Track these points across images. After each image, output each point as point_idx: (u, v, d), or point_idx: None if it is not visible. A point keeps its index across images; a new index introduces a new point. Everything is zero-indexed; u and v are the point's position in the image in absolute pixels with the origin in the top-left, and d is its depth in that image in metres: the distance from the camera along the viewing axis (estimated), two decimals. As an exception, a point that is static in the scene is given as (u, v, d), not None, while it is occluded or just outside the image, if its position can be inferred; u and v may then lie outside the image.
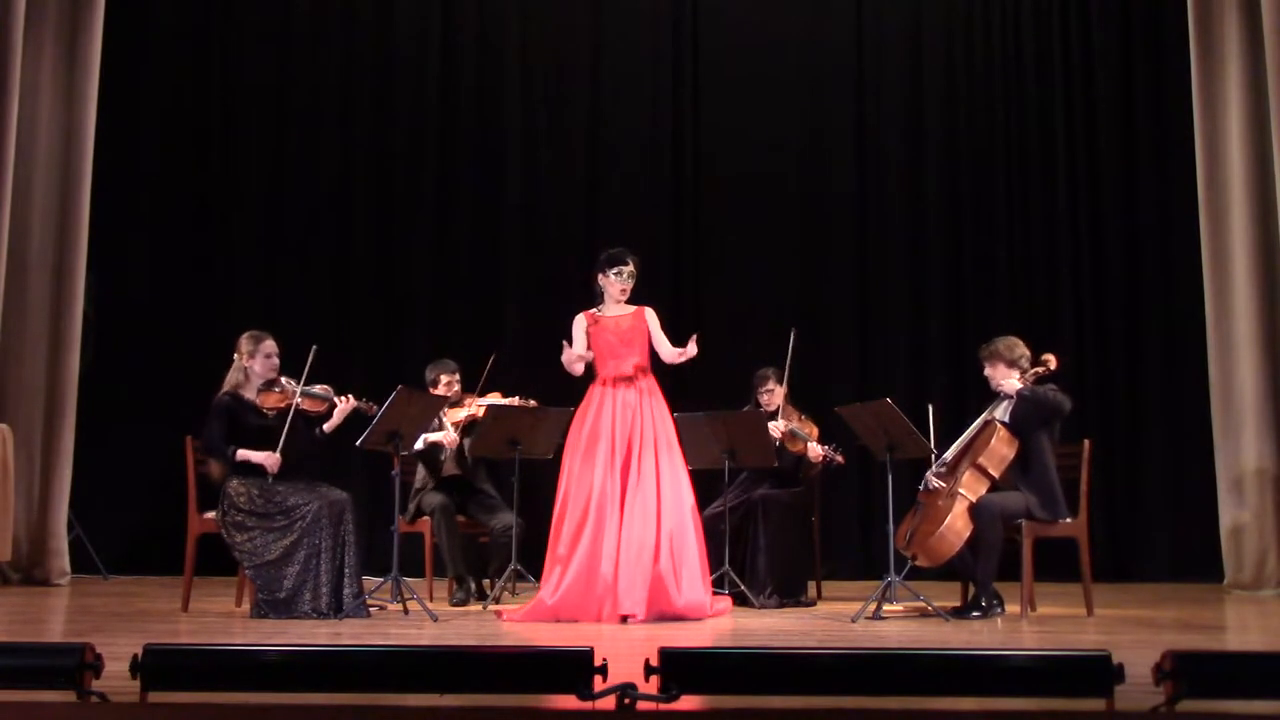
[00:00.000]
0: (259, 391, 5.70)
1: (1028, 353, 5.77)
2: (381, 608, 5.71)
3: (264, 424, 5.64)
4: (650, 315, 5.84)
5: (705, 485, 6.29)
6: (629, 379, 5.70)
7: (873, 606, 5.49)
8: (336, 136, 8.60)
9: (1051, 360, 5.74)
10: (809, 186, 8.55)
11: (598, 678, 2.99)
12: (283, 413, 5.63)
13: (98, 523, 7.65)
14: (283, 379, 5.73)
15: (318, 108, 8.62)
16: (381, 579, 5.78)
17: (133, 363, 8.09)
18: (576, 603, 5.37)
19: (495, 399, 6.55)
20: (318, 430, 5.78)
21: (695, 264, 8.50)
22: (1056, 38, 8.46)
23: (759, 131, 8.50)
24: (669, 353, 5.81)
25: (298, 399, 5.65)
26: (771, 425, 6.28)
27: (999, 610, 5.58)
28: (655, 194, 8.54)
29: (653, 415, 5.65)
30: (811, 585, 6.48)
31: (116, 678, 3.08)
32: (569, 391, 6.01)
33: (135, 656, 3.05)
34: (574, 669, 3.00)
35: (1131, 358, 8.21)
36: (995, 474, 5.58)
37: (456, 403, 6.60)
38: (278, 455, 5.53)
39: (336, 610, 5.37)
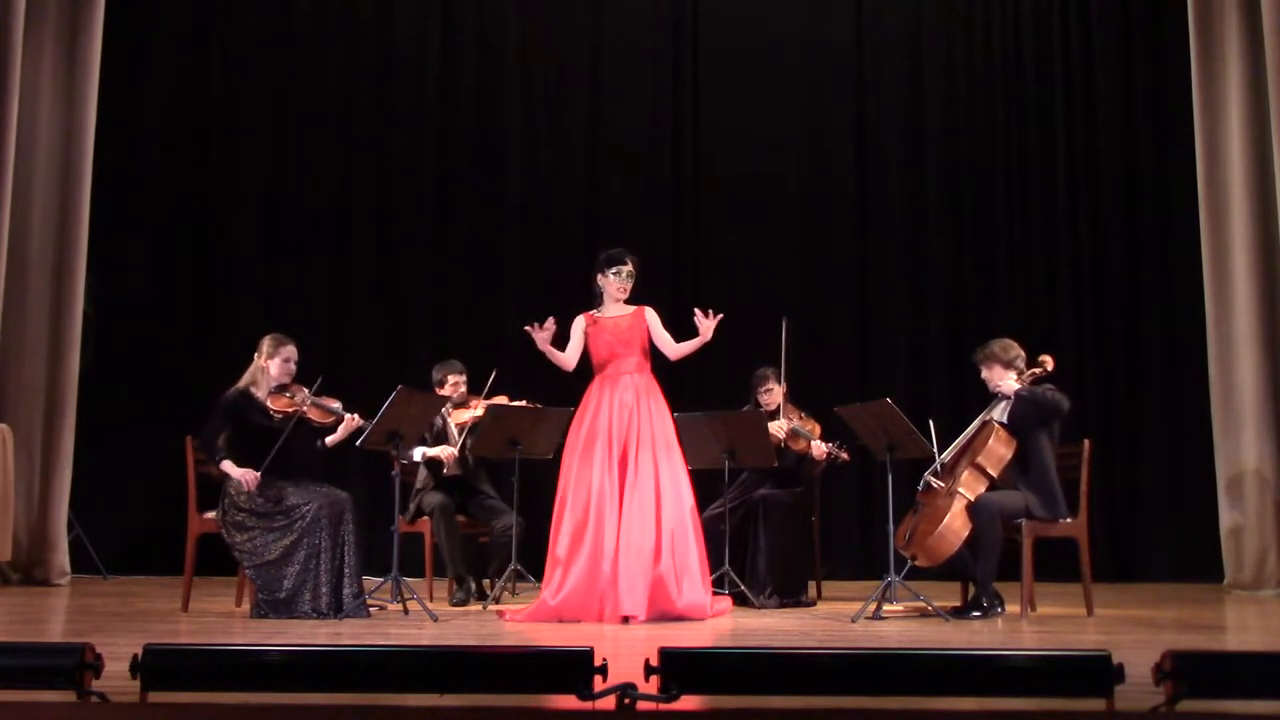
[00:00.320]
0: (270, 393, 5.71)
1: (1023, 353, 5.77)
2: (381, 608, 5.71)
3: (269, 425, 5.64)
4: (651, 315, 5.83)
5: (705, 485, 6.29)
6: (627, 379, 5.70)
7: (873, 606, 5.49)
8: (336, 136, 8.61)
9: (1049, 361, 5.74)
10: (809, 186, 8.55)
11: (598, 678, 2.99)
12: (288, 417, 5.64)
13: (98, 523, 7.65)
14: (294, 386, 5.75)
15: (318, 108, 8.62)
16: (381, 579, 5.78)
17: (133, 363, 8.09)
18: (579, 603, 5.37)
19: (502, 401, 6.55)
20: (319, 442, 5.78)
21: (695, 264, 8.50)
22: (1056, 38, 8.47)
23: (759, 131, 8.50)
24: (673, 349, 5.81)
25: (306, 406, 5.67)
26: (774, 425, 6.28)
27: (999, 610, 5.58)
28: (655, 194, 8.55)
29: (650, 414, 5.64)
30: (811, 585, 6.48)
31: (116, 678, 3.07)
32: (569, 392, 6.01)
33: (135, 656, 3.05)
34: (574, 669, 3.00)
35: (1131, 358, 8.22)
36: (993, 473, 5.58)
37: (462, 404, 6.60)
38: (256, 475, 5.52)
39: (336, 610, 5.37)
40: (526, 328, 5.78)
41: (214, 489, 5.70)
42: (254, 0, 8.69)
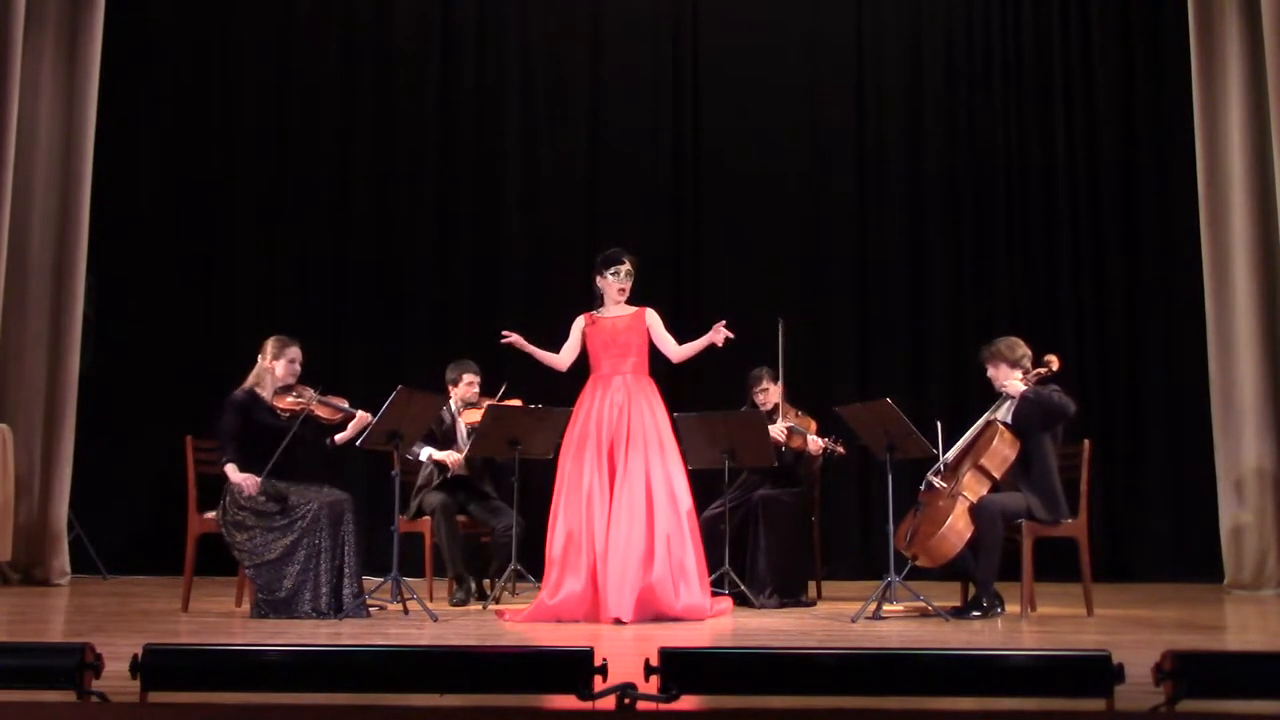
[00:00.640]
0: (275, 393, 5.71)
1: (1029, 352, 5.77)
2: (381, 608, 5.71)
3: (275, 424, 5.64)
4: (651, 316, 5.82)
5: (705, 485, 6.29)
6: (619, 379, 5.69)
7: (873, 606, 5.49)
8: (337, 136, 8.61)
9: (1054, 361, 5.73)
10: (809, 186, 8.55)
11: (598, 678, 2.99)
12: (295, 415, 5.65)
13: (98, 523, 7.65)
14: (300, 386, 5.75)
15: (318, 108, 8.62)
16: (381, 579, 5.78)
17: (133, 363, 8.09)
18: (574, 604, 5.37)
19: (515, 404, 6.56)
20: (328, 440, 5.79)
21: (695, 264, 8.51)
22: (1056, 38, 8.47)
23: (759, 131, 8.50)
24: (675, 351, 5.80)
25: (313, 405, 5.67)
26: (772, 429, 6.27)
27: (999, 610, 5.58)
28: (655, 194, 8.55)
29: (641, 415, 5.61)
30: (811, 585, 6.48)
31: (116, 678, 3.07)
32: (570, 392, 6.02)
33: (135, 656, 3.05)
34: (574, 669, 3.00)
35: (1131, 358, 8.22)
36: (996, 475, 5.58)
37: (473, 404, 6.61)
38: (257, 480, 5.51)
39: (336, 610, 5.37)
40: (504, 336, 5.80)
41: (214, 489, 5.70)
42: (254, 1, 8.69)
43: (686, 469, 5.76)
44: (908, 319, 8.39)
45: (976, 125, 8.50)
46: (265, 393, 5.71)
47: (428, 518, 6.37)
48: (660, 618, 5.36)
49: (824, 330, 8.36)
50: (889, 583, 5.59)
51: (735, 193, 8.47)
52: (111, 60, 7.69)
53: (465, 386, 6.65)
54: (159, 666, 3.05)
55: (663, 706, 2.96)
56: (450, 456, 6.46)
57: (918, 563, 5.71)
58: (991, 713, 3.01)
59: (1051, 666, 3.10)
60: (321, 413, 5.72)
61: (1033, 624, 5.39)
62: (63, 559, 7.23)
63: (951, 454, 5.72)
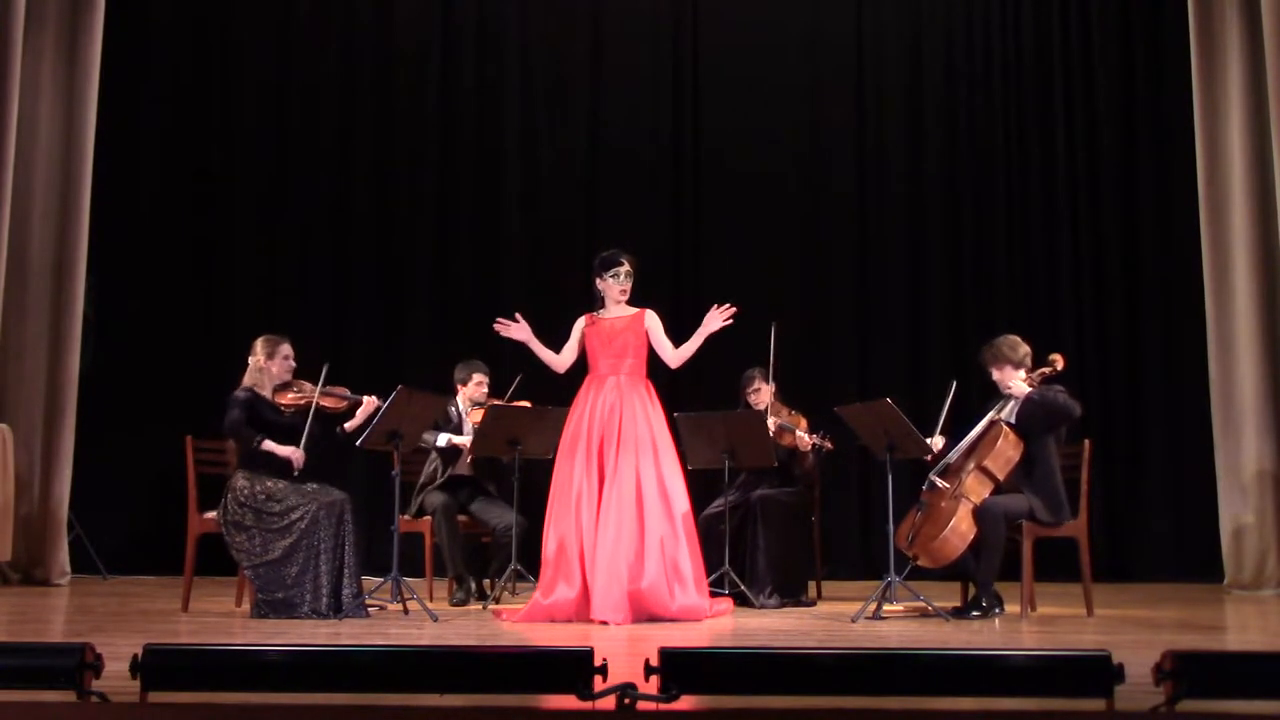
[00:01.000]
0: (275, 391, 5.71)
1: (1030, 351, 5.76)
2: (381, 608, 5.71)
3: (282, 421, 5.65)
4: (651, 319, 5.80)
5: (705, 485, 6.29)
6: (612, 380, 5.68)
7: (873, 606, 5.49)
8: (337, 136, 8.61)
9: (1059, 360, 5.71)
10: (809, 186, 8.55)
11: (598, 678, 2.99)
12: (301, 411, 5.66)
13: (98, 523, 7.65)
14: (297, 381, 5.75)
15: (318, 108, 8.63)
16: (381, 579, 5.78)
17: (133, 363, 8.09)
18: (566, 604, 5.36)
19: (523, 406, 6.56)
20: (338, 429, 5.80)
21: (695, 264, 8.50)
22: (1056, 38, 8.46)
23: (759, 131, 8.50)
24: (673, 355, 5.78)
25: (317, 397, 5.67)
26: None
27: (999, 611, 5.58)
28: (655, 194, 8.55)
29: (634, 416, 5.58)
30: (811, 585, 6.48)
31: (116, 678, 3.07)
32: (570, 392, 6.01)
33: (135, 656, 3.05)
34: (574, 669, 3.00)
35: (1131, 358, 8.22)
36: (1000, 477, 5.57)
37: (481, 404, 6.61)
38: (301, 452, 5.54)
39: (336, 610, 5.37)
40: (496, 327, 5.77)
41: (214, 489, 5.71)
42: (254, 1, 8.69)
43: (685, 470, 5.76)
44: (908, 319, 8.38)
45: (976, 125, 8.50)
46: (265, 392, 5.70)
47: (428, 518, 6.37)
48: (656, 619, 5.35)
49: (824, 330, 8.37)
50: (889, 583, 5.59)
51: (735, 193, 8.47)
52: (111, 60, 7.69)
53: (474, 386, 6.65)
54: (159, 666, 3.05)
55: (663, 706, 2.96)
56: (467, 440, 6.45)
57: (919, 563, 5.71)
58: (991, 713, 3.01)
59: (1051, 666, 3.10)
60: (326, 403, 5.73)
61: (1033, 624, 5.39)
62: (63, 559, 7.23)
63: (954, 454, 5.71)
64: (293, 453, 5.56)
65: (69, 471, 7.28)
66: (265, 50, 8.64)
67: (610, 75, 8.64)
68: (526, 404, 6.58)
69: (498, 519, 6.37)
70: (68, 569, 7.26)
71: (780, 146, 8.53)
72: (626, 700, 2.93)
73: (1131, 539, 7.99)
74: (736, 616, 5.67)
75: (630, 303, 5.83)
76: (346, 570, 5.46)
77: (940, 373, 8.09)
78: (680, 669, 3.00)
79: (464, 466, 6.54)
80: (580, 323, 5.84)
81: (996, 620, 5.49)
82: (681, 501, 5.57)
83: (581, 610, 5.34)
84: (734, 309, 5.66)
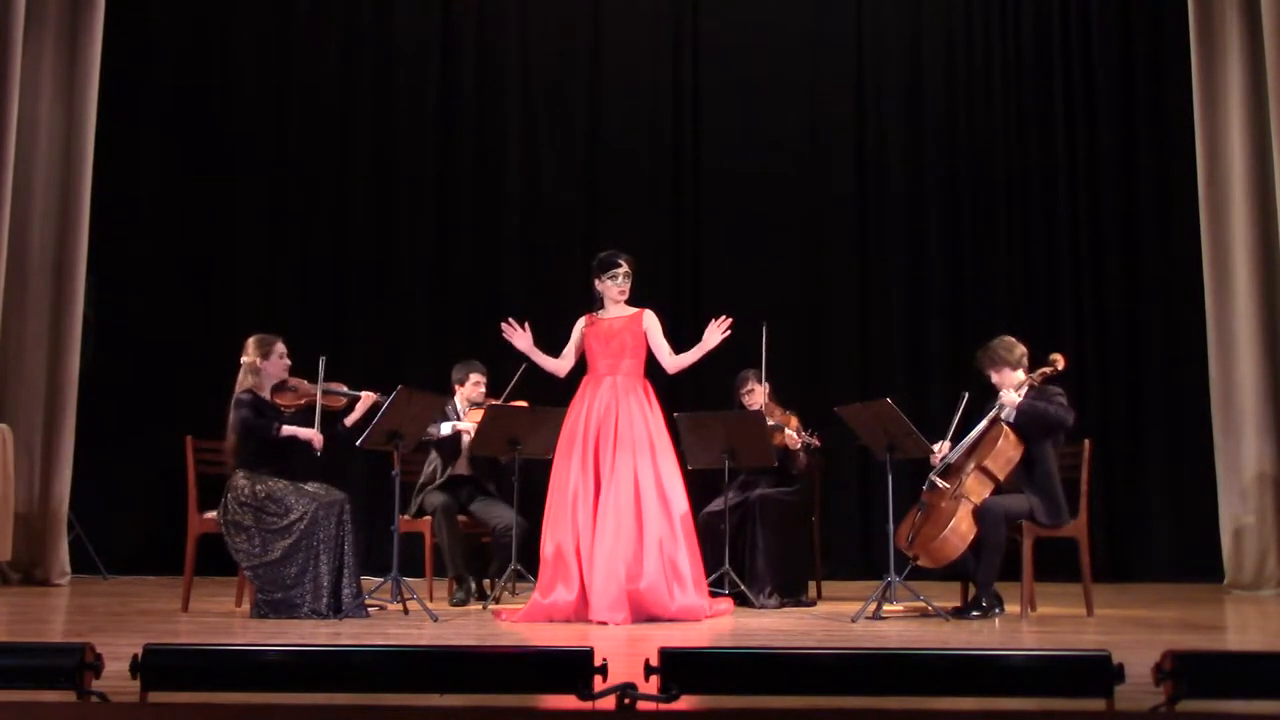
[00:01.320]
0: (273, 393, 5.71)
1: (1026, 350, 5.76)
2: (381, 608, 5.71)
3: (284, 422, 5.64)
4: (650, 320, 5.78)
5: (705, 485, 6.29)
6: (608, 380, 5.67)
7: (873, 606, 5.49)
8: (337, 137, 8.61)
9: (1059, 360, 5.69)
10: (809, 186, 8.56)
11: (598, 678, 2.98)
12: (302, 411, 5.66)
13: (98, 523, 7.65)
14: (294, 380, 5.75)
15: (317, 108, 8.63)
16: (381, 579, 5.78)
17: (133, 363, 8.09)
18: (564, 604, 5.36)
19: (519, 405, 6.55)
20: (339, 425, 5.80)
21: (695, 264, 8.51)
22: (1056, 38, 8.47)
23: (759, 131, 8.51)
24: (671, 360, 5.78)
25: (316, 395, 5.67)
26: None
27: (999, 611, 5.58)
28: (655, 194, 8.55)
29: (630, 416, 5.57)
30: (811, 585, 6.48)
31: (116, 678, 3.07)
32: (571, 391, 6.01)
33: (135, 656, 3.05)
34: (574, 669, 3.00)
35: (1131, 358, 8.22)
36: (1000, 477, 5.57)
37: (479, 404, 6.61)
38: (320, 434, 5.56)
39: (336, 610, 5.36)
40: (504, 327, 5.78)
41: (214, 489, 5.70)
42: (254, 1, 8.69)
43: (684, 470, 5.75)
44: (908, 319, 8.39)
45: (976, 125, 8.50)
46: (263, 393, 5.70)
47: (428, 518, 6.37)
48: (655, 620, 5.35)
49: (824, 330, 8.37)
50: (889, 583, 5.59)
51: (735, 193, 8.47)
52: (111, 60, 7.69)
53: (472, 386, 6.66)
54: (159, 666, 3.05)
55: (663, 706, 2.96)
56: (472, 426, 6.45)
57: (918, 563, 5.71)
58: (991, 713, 3.01)
59: (1051, 666, 3.10)
60: (327, 402, 5.72)
61: (1033, 624, 5.39)
62: (63, 559, 7.23)
63: (955, 454, 5.71)
64: (313, 434, 5.58)
65: (69, 471, 7.29)
66: (265, 50, 8.65)
67: (610, 75, 8.64)
68: (523, 404, 6.57)
69: (498, 519, 6.37)
70: (68, 569, 7.26)
71: (780, 146, 8.53)
72: (626, 700, 2.92)
73: (1131, 539, 7.99)
74: (736, 616, 5.67)
75: (630, 302, 5.82)
76: (346, 570, 5.45)
77: (940, 373, 8.13)
78: (680, 669, 3.00)
79: (463, 466, 6.54)
80: (580, 323, 5.84)
81: (996, 620, 5.49)
82: (680, 502, 5.56)
83: (580, 611, 5.34)
84: (730, 320, 5.65)
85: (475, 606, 6.12)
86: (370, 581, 5.78)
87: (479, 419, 6.48)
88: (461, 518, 6.42)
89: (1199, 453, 7.54)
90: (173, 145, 8.48)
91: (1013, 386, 5.67)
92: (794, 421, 6.40)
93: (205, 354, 8.01)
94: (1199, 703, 2.93)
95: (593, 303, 5.89)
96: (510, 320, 5.83)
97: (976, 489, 5.55)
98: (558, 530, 5.48)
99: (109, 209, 7.86)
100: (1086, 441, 5.79)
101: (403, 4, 8.70)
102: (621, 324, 5.76)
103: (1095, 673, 3.00)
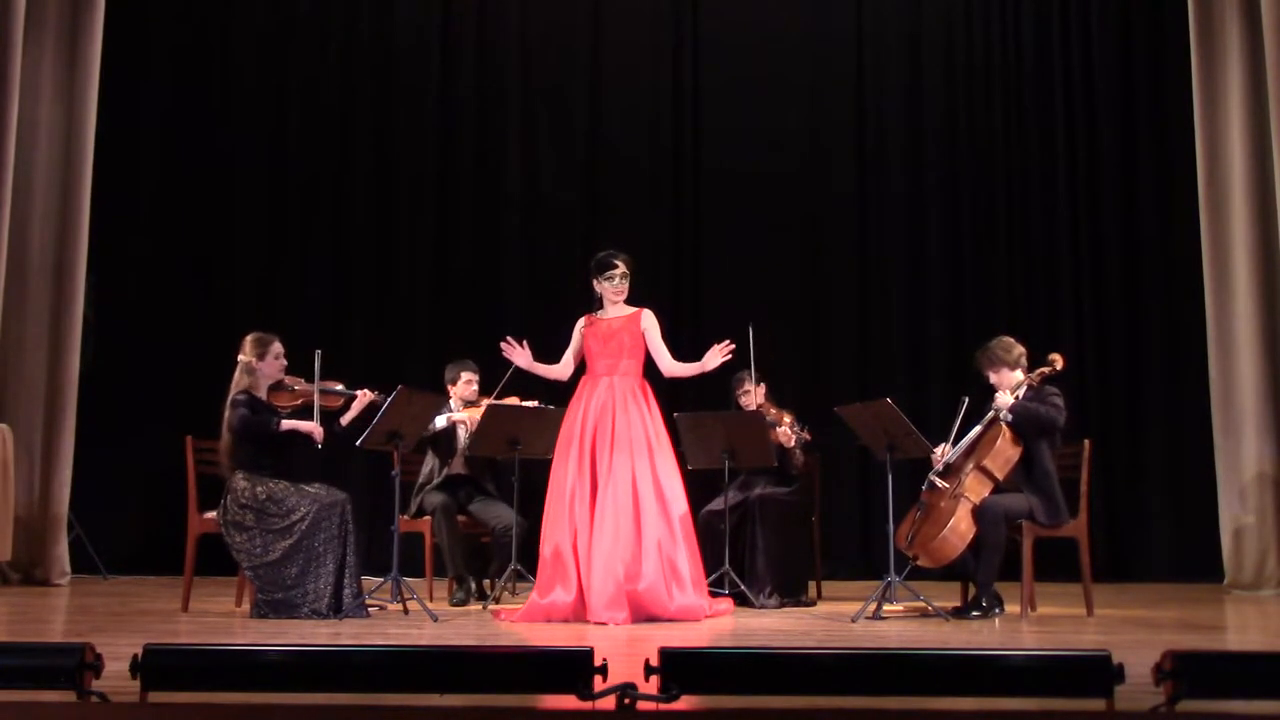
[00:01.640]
0: (269, 392, 5.70)
1: (1025, 350, 5.76)
2: (381, 608, 5.71)
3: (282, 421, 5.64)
4: (648, 320, 5.77)
5: (705, 485, 6.29)
6: (605, 380, 5.66)
7: (873, 606, 5.49)
8: (336, 137, 8.61)
9: (1058, 360, 5.69)
10: (809, 186, 8.55)
11: (598, 678, 2.98)
12: (298, 410, 5.66)
13: (98, 523, 7.65)
14: (290, 379, 5.74)
15: (317, 108, 8.63)
16: (381, 579, 5.78)
17: (133, 363, 8.09)
18: (563, 604, 5.36)
19: (513, 403, 6.55)
20: (336, 425, 5.79)
21: (695, 264, 8.51)
22: (1056, 37, 8.47)
23: (759, 131, 8.50)
24: (669, 365, 5.77)
25: (313, 395, 5.67)
26: None
27: (999, 611, 5.58)
28: (655, 194, 8.55)
29: (627, 416, 5.56)
30: (811, 585, 6.48)
31: (116, 678, 3.07)
32: (571, 392, 6.01)
33: (135, 656, 3.05)
34: (574, 669, 3.00)
35: (1131, 358, 8.22)
36: (999, 476, 5.57)
37: (472, 403, 6.61)
38: (320, 427, 5.56)
39: (336, 611, 5.36)
40: (503, 346, 5.79)
41: (214, 489, 5.70)
42: (254, 1, 8.69)
43: (683, 470, 5.75)
44: (908, 319, 8.38)
45: (976, 125, 8.50)
46: (259, 393, 5.70)
47: (428, 518, 6.37)
48: (654, 620, 5.34)
49: (824, 330, 8.37)
50: (889, 583, 5.59)
51: (735, 193, 8.47)
52: (111, 60, 7.69)
53: (464, 385, 6.67)
54: (159, 666, 3.05)
55: (663, 706, 2.96)
56: (472, 415, 6.45)
57: (918, 563, 5.71)
58: (991, 713, 3.01)
59: (1051, 666, 3.10)
60: (324, 401, 5.72)
61: (1033, 624, 5.39)
62: (63, 559, 7.23)
63: (954, 454, 5.71)
64: (314, 427, 5.57)
65: (69, 471, 7.28)
66: (265, 50, 8.65)
67: (610, 75, 8.64)
68: (534, 402, 6.55)
69: (497, 519, 6.37)
70: (68, 569, 7.26)
71: (780, 146, 8.53)
72: (626, 700, 2.92)
73: (1131, 539, 7.99)
74: (736, 616, 5.67)
75: (630, 302, 5.82)
76: (347, 570, 5.45)
77: (940, 373, 8.13)
78: (680, 669, 3.00)
79: (460, 465, 6.54)
80: (580, 324, 5.84)
81: (996, 620, 5.49)
82: (679, 503, 5.55)
83: (578, 612, 5.34)
84: (733, 345, 5.70)
85: (475, 606, 6.12)
86: (370, 581, 5.78)
87: (473, 416, 6.48)
88: (461, 518, 6.42)
89: (1199, 453, 7.54)
90: (172, 145, 8.48)
91: (1011, 387, 5.67)
92: (786, 418, 6.40)
93: (205, 354, 7.98)
94: (1199, 703, 2.93)
95: (592, 303, 5.89)
96: (509, 339, 5.83)
97: (976, 488, 5.55)
98: (555, 531, 5.48)
99: (109, 209, 7.86)
100: (1086, 441, 5.79)
101: (403, 4, 8.70)
102: (620, 324, 5.75)
103: (1095, 673, 3.00)
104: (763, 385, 6.46)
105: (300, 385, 5.73)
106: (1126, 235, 8.29)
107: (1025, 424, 5.56)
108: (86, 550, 7.50)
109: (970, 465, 5.60)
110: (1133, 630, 5.09)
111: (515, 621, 5.37)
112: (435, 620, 5.29)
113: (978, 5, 8.57)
